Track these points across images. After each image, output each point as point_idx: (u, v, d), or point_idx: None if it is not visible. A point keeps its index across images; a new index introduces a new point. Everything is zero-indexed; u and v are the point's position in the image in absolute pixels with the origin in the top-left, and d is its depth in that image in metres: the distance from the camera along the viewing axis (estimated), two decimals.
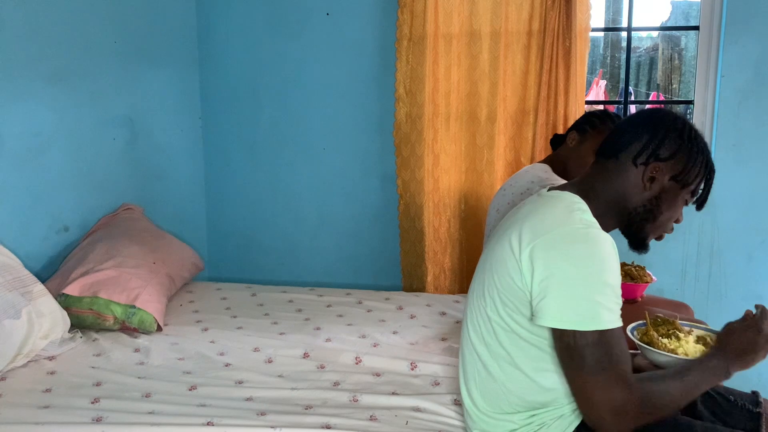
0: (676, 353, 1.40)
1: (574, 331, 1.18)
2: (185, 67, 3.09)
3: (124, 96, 2.65)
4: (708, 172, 1.34)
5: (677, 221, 1.38)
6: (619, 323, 1.20)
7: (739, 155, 2.73)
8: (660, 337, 1.45)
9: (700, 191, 1.36)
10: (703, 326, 1.55)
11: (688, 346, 1.42)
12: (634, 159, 1.31)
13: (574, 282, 1.18)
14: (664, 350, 1.41)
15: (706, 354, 1.32)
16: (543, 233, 1.22)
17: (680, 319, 1.56)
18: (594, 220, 1.26)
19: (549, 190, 1.40)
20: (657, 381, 1.23)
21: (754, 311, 1.34)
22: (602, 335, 1.17)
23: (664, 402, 1.20)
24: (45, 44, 2.22)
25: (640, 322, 1.56)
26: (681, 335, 1.45)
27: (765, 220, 2.76)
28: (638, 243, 1.38)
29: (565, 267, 1.19)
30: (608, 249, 1.21)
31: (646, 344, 1.45)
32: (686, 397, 1.24)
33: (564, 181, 1.94)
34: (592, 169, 1.37)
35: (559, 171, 2.07)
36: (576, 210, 1.26)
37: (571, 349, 1.19)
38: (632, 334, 1.51)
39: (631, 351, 1.54)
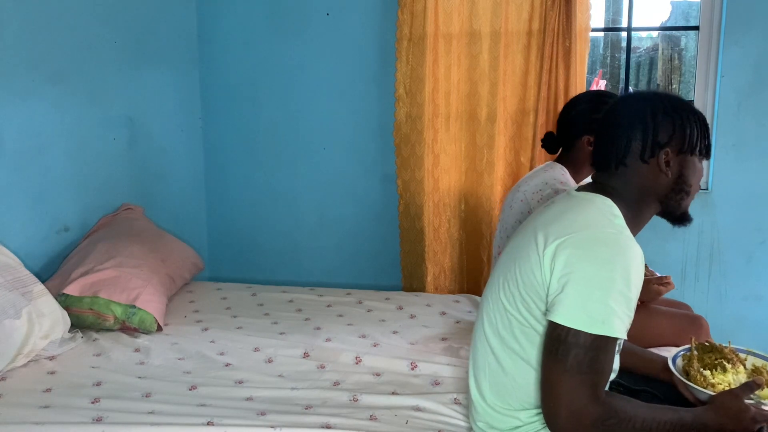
0: (715, 389, 1.29)
1: (569, 327, 1.17)
2: (185, 67, 3.09)
3: (124, 96, 2.65)
4: (702, 125, 1.33)
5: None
6: (623, 336, 1.19)
7: (739, 155, 2.73)
8: (702, 369, 1.35)
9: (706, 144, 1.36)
10: (761, 353, 1.43)
11: (738, 377, 1.31)
12: (641, 157, 1.31)
13: (592, 283, 1.17)
14: (702, 384, 1.31)
15: (694, 410, 1.26)
16: (571, 233, 1.22)
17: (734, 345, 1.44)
18: (626, 226, 1.26)
19: (578, 190, 1.38)
20: (630, 405, 1.22)
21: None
22: (596, 340, 1.16)
23: (624, 427, 1.18)
24: (45, 44, 2.22)
25: (686, 347, 1.46)
26: (728, 366, 1.35)
27: (765, 220, 2.76)
28: (681, 217, 1.38)
29: (586, 267, 1.18)
30: (635, 260, 1.20)
31: (686, 374, 1.36)
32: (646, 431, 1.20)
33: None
34: (607, 176, 1.36)
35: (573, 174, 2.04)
36: (609, 215, 1.26)
37: (560, 342, 1.18)
38: (674, 363, 1.41)
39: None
